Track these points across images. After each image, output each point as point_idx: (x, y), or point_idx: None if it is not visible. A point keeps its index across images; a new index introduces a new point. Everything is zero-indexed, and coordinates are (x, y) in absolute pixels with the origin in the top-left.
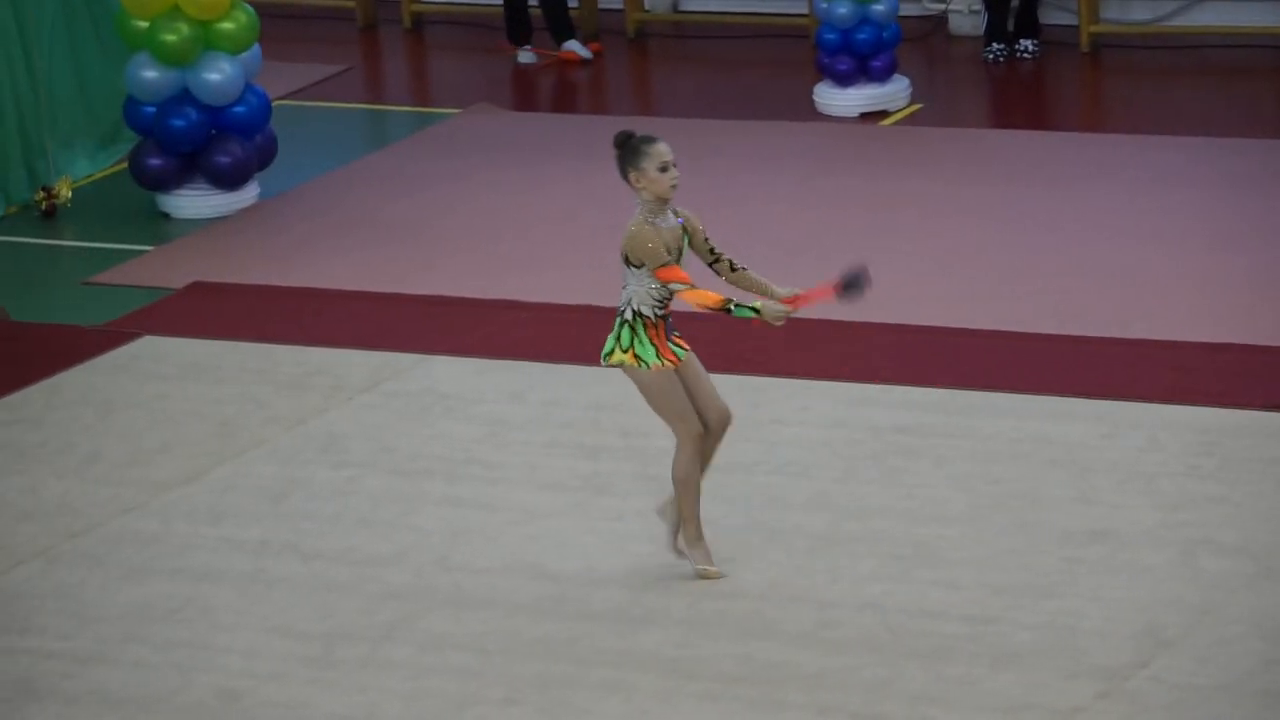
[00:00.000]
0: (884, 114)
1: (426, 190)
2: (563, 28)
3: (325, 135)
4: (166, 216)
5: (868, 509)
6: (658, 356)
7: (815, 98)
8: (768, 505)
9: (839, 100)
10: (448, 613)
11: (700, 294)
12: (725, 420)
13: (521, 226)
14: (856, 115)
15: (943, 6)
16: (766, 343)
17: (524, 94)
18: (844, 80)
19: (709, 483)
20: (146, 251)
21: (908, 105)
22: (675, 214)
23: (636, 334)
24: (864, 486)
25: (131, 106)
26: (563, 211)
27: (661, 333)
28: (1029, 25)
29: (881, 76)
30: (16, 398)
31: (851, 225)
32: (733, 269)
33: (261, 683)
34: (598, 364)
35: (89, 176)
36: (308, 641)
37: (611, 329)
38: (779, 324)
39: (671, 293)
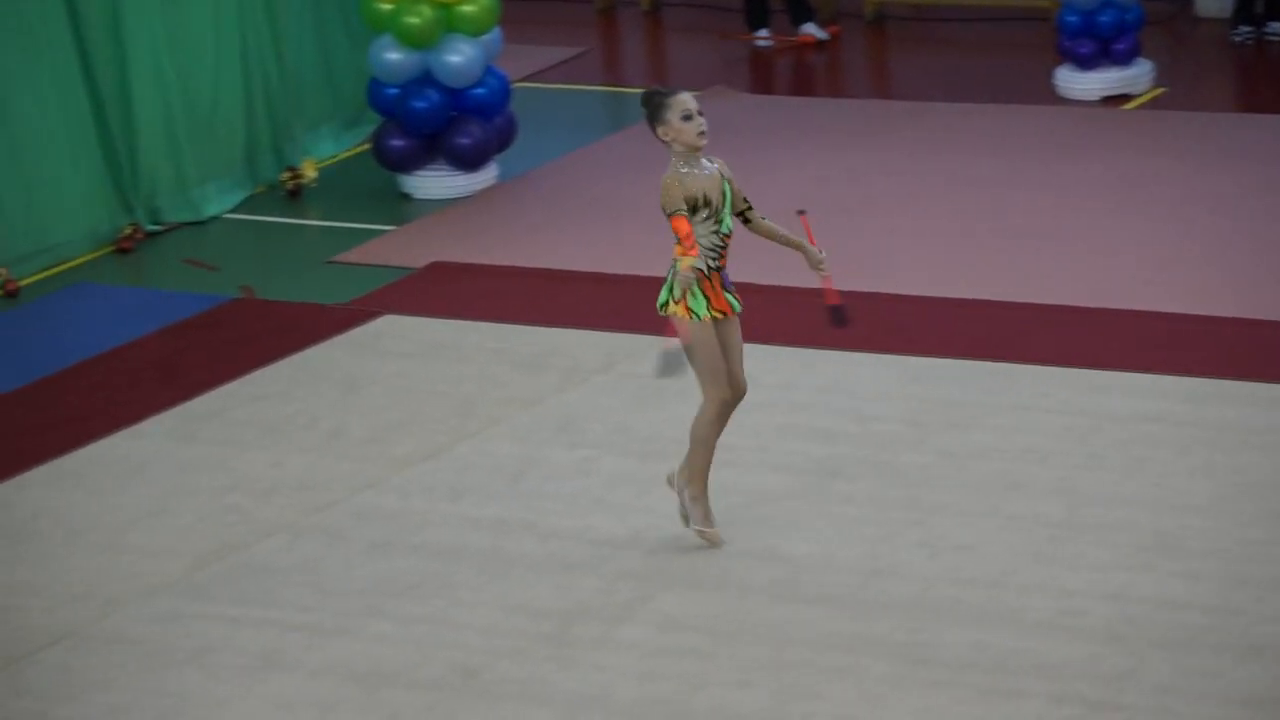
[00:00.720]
0: (1126, 98)
1: (663, 172)
2: (801, 10)
3: (564, 117)
4: (407, 197)
5: (1110, 497)
6: (708, 309)
7: (1056, 81)
8: (1007, 491)
9: (1080, 84)
10: (682, 594)
11: (684, 253)
12: (741, 394)
13: (763, 210)
14: (1098, 99)
15: None
16: (1011, 327)
17: (760, 77)
18: (1086, 63)
19: (947, 468)
20: (388, 231)
21: (1151, 89)
22: (710, 160)
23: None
24: (1106, 474)
25: (375, 88)
26: (798, 194)
27: (716, 284)
28: (1278, 6)
29: (1124, 60)
30: (263, 374)
31: (1093, 210)
32: (750, 220)
33: (499, 659)
34: (831, 347)
35: (333, 157)
36: (545, 619)
37: (664, 282)
38: (682, 286)
39: (725, 244)
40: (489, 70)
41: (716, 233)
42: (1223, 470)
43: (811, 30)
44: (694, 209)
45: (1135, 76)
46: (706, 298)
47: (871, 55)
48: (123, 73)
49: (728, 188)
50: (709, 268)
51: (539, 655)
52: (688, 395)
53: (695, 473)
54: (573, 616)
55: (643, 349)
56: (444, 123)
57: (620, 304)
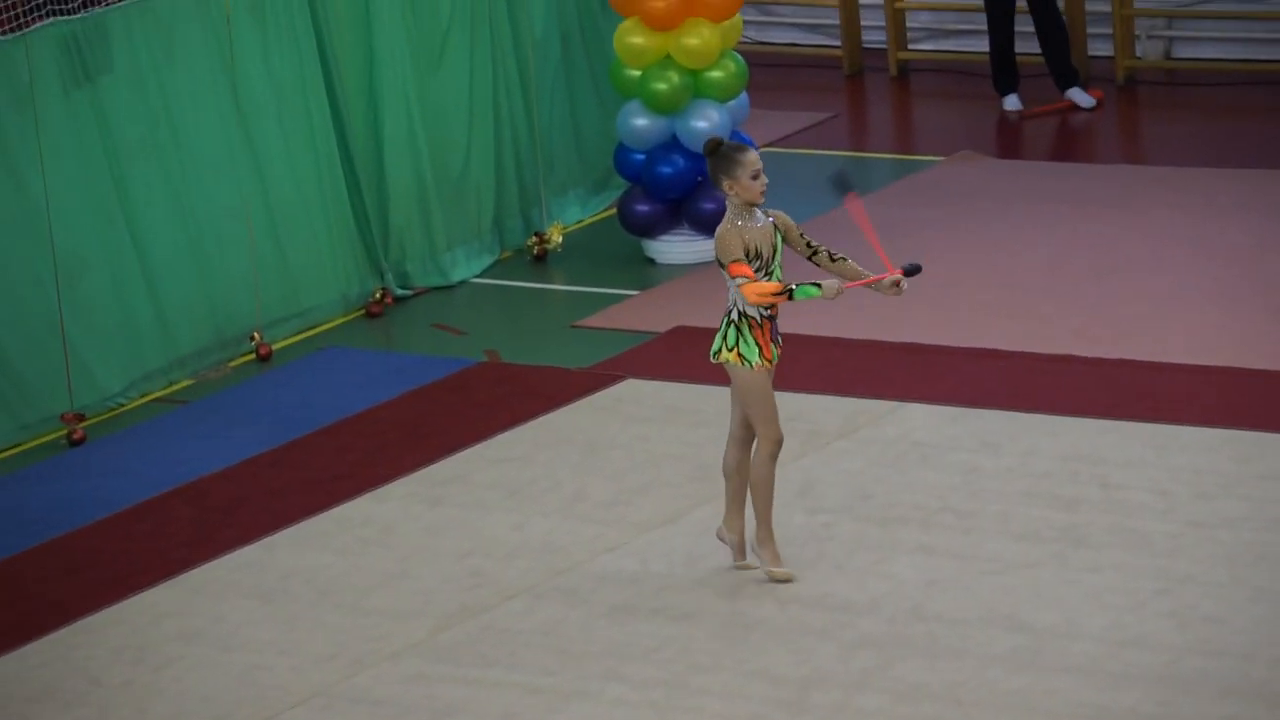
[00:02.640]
0: None
1: (908, 236)
2: (1066, 73)
3: (809, 182)
4: (652, 261)
5: None
6: (760, 356)
7: None
8: (1256, 563)
9: None
10: (922, 661)
11: (759, 285)
12: (753, 436)
13: (1000, 274)
14: None
15: None
16: (1266, 395)
17: (1008, 142)
18: None
19: (1193, 538)
20: (631, 296)
21: None
22: (765, 214)
23: (741, 334)
24: None
25: (622, 153)
26: (1041, 259)
27: (767, 333)
28: None
29: None
30: (507, 437)
31: None
32: (832, 259)
33: None
34: (1077, 414)
35: (579, 222)
36: (783, 686)
37: (718, 330)
38: (834, 296)
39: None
40: (735, 135)
41: (732, 278)
42: None
43: (1076, 96)
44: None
45: None
46: (759, 345)
47: (1122, 120)
48: (376, 138)
49: (779, 240)
50: (761, 316)
51: None
52: (929, 460)
53: (761, 517)
54: (811, 683)
55: (884, 414)
56: (689, 188)
57: (859, 369)
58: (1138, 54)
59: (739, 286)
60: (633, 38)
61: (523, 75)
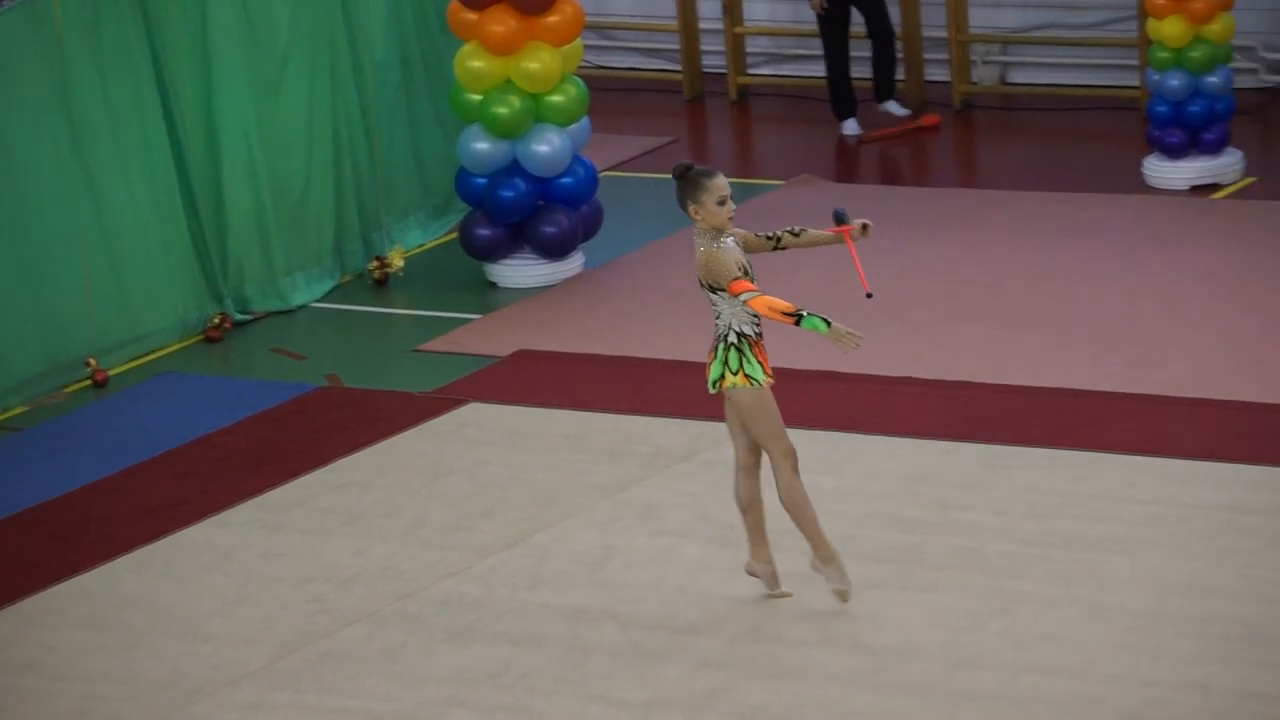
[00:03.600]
0: (1216, 187)
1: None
2: (887, 85)
3: (650, 206)
4: (493, 285)
5: (1195, 587)
6: (763, 373)
7: (1145, 170)
8: (1090, 581)
9: (1169, 173)
10: (763, 683)
11: (770, 300)
12: (759, 460)
13: (841, 298)
14: (1187, 188)
15: None
16: (1097, 416)
17: (847, 165)
18: (1175, 153)
19: (1030, 557)
20: (473, 320)
21: (1241, 179)
22: (731, 236)
23: (744, 355)
24: (1192, 564)
25: (463, 177)
26: (883, 282)
27: (763, 349)
28: None
29: (1214, 149)
30: (347, 462)
31: (1181, 300)
32: (795, 235)
33: None
34: (915, 436)
35: (421, 246)
36: (625, 709)
37: (715, 359)
38: (848, 345)
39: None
40: (576, 159)
41: (737, 296)
42: None
43: (892, 108)
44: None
45: (1225, 166)
46: (760, 363)
47: (959, 144)
48: (215, 163)
49: (747, 262)
50: (757, 333)
51: None
52: (771, 482)
53: (813, 535)
54: (653, 706)
55: (726, 436)
56: (531, 211)
57: (703, 392)
58: (974, 79)
59: (749, 300)
60: (473, 62)
61: (362, 99)
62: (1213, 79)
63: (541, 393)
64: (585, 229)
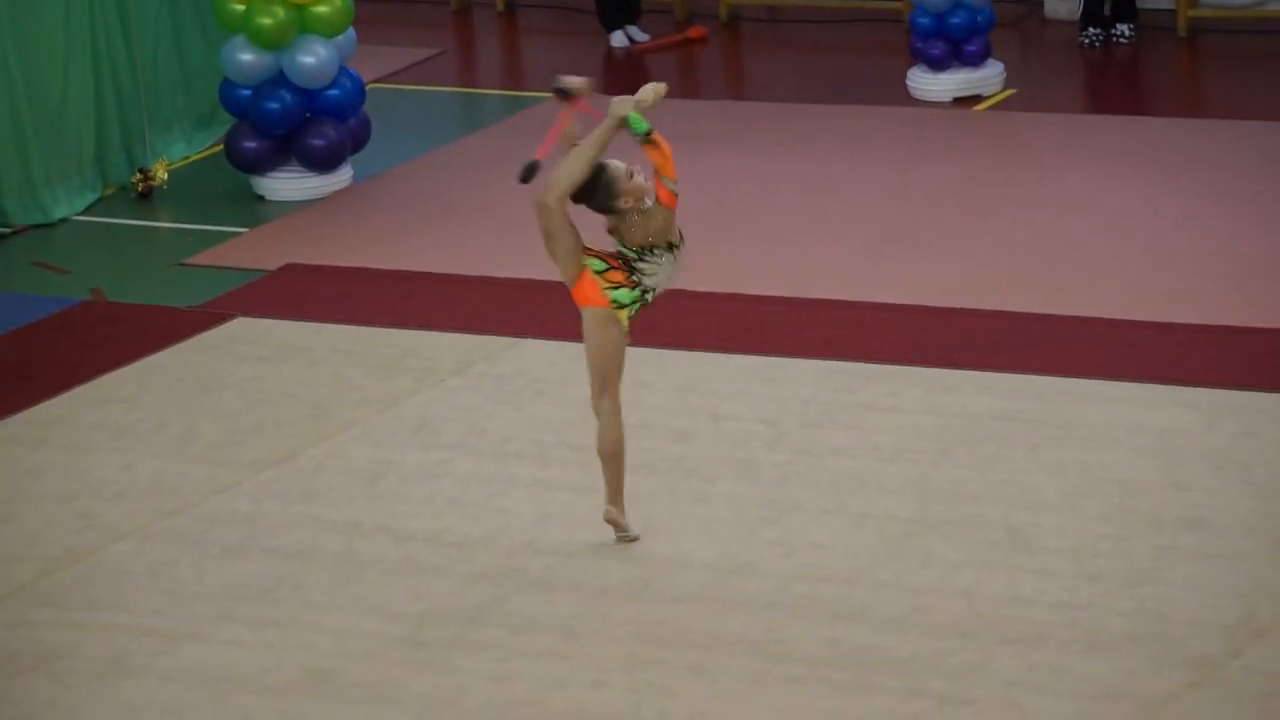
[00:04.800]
0: (978, 99)
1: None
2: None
3: (418, 119)
4: (261, 199)
5: (961, 494)
6: (631, 312)
7: (909, 82)
8: (859, 489)
9: (932, 85)
10: (537, 595)
11: (659, 155)
12: None
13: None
14: (950, 100)
15: None
16: (864, 327)
17: (617, 78)
18: (937, 65)
19: (800, 466)
20: (241, 233)
21: (1002, 90)
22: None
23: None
24: (957, 472)
25: (227, 89)
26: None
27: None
28: (1126, 9)
29: (975, 61)
30: (113, 377)
31: (946, 211)
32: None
33: (352, 662)
34: (687, 348)
35: (185, 159)
36: (398, 622)
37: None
38: (656, 98)
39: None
40: (343, 71)
41: (674, 262)
42: (1071, 467)
43: (627, 36)
44: (670, 247)
45: (986, 78)
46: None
47: (726, 57)
48: None
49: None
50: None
51: (392, 658)
52: (545, 396)
53: (621, 486)
54: (426, 619)
55: (500, 350)
56: (298, 124)
57: (475, 306)
58: None
59: (670, 188)
60: None
61: (122, 7)
62: None
63: (312, 307)
64: (353, 141)
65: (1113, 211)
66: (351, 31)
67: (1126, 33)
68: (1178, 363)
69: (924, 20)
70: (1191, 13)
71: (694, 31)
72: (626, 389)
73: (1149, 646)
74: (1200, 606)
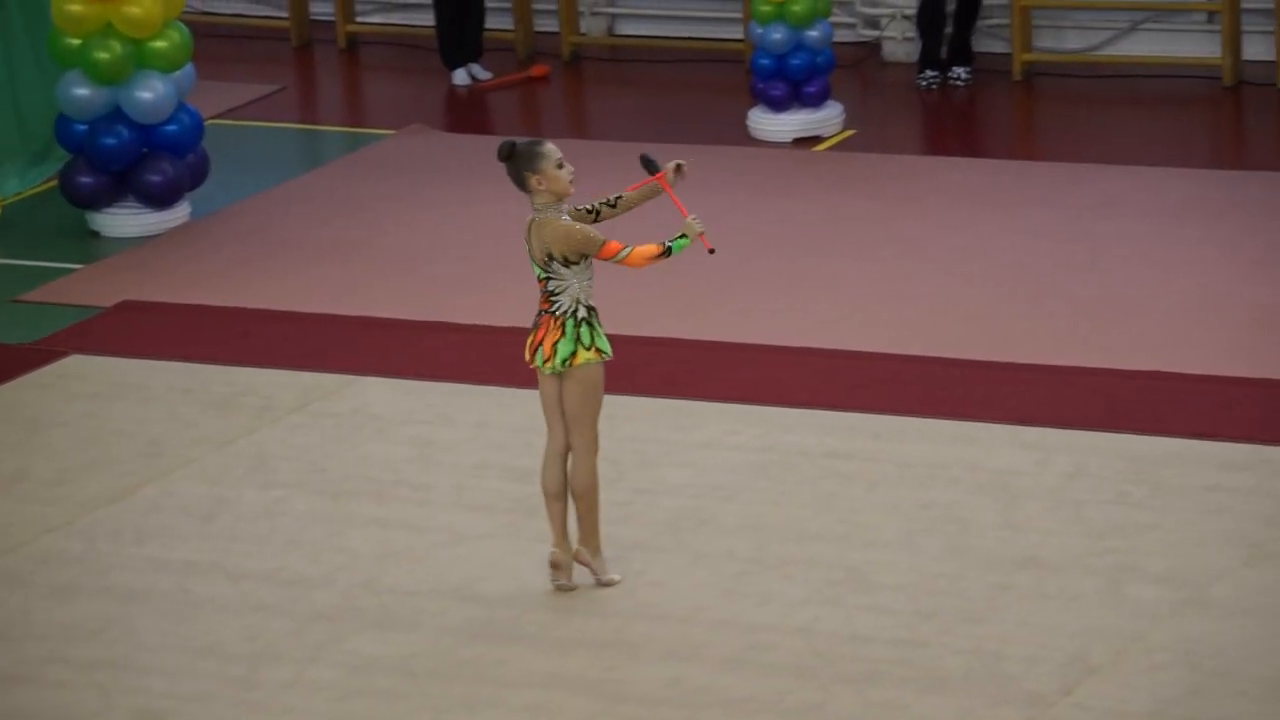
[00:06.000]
0: (817, 139)
1: (359, 211)
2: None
3: (258, 155)
4: (96, 235)
5: (799, 533)
6: (609, 345)
7: (749, 123)
8: (698, 528)
9: (773, 125)
10: (375, 634)
11: (642, 251)
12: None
13: (454, 248)
14: (790, 140)
15: (877, 33)
16: (704, 366)
17: (458, 116)
18: (778, 105)
19: (640, 505)
20: (76, 270)
21: (841, 131)
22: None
23: (595, 329)
24: (796, 510)
25: (63, 124)
26: (494, 233)
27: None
28: (962, 53)
29: (815, 102)
30: None
31: (784, 250)
32: (612, 205)
33: (184, 703)
34: (527, 387)
35: (19, 194)
36: (233, 662)
37: (563, 336)
38: (698, 235)
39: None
40: (181, 107)
41: (590, 277)
42: (909, 506)
43: (469, 75)
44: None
45: (826, 119)
46: (605, 336)
47: (569, 95)
48: None
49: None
50: (590, 309)
51: (226, 699)
52: (384, 434)
53: (595, 528)
54: (262, 659)
55: (338, 388)
56: (135, 159)
57: (313, 344)
58: (582, 30)
59: (625, 258)
60: (71, 5)
61: None
62: (813, 33)
63: (148, 344)
64: (191, 177)
65: (950, 251)
66: (190, 67)
67: (963, 76)
68: (1014, 402)
69: (765, 61)
70: (1026, 57)
71: (536, 70)
72: (467, 428)
73: (985, 684)
74: (1034, 644)
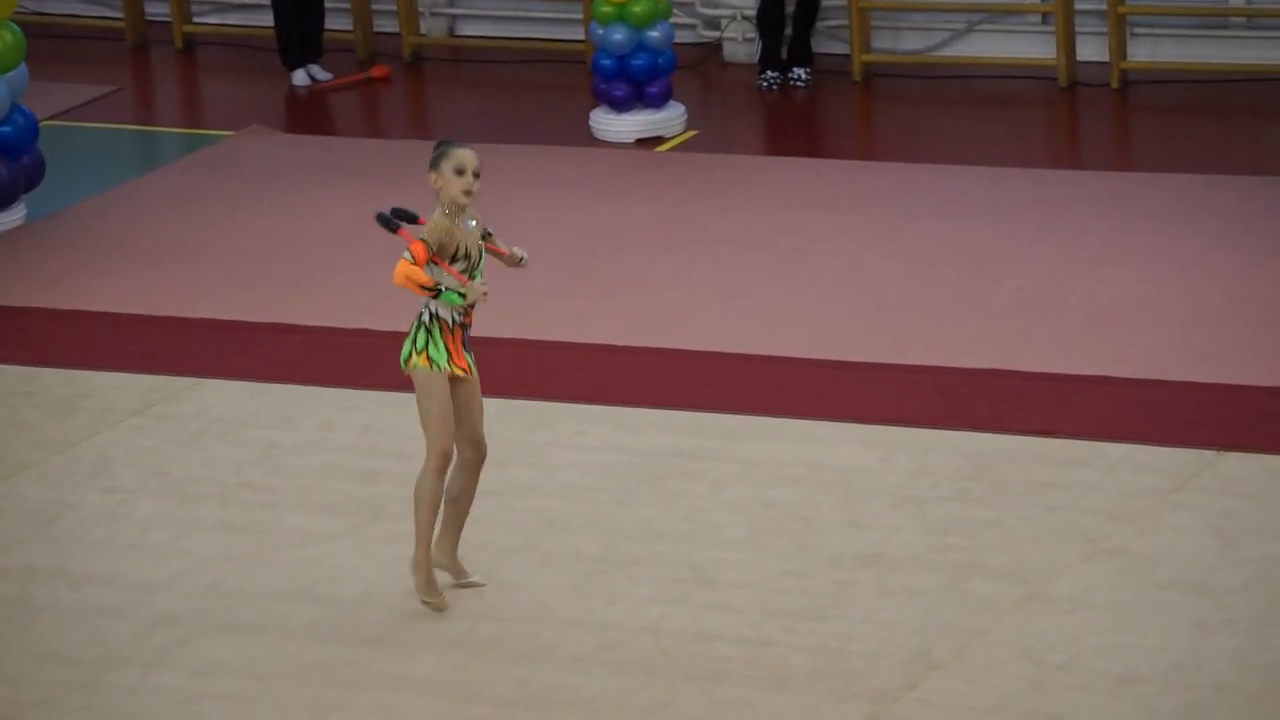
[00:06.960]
0: (659, 140)
1: (198, 213)
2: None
3: (95, 156)
4: None
5: (646, 532)
6: (449, 363)
7: (592, 123)
8: (545, 528)
9: (615, 126)
10: (220, 637)
11: (408, 270)
12: (482, 455)
13: (294, 249)
14: (632, 141)
15: (717, 34)
16: (548, 366)
17: (298, 117)
18: (620, 106)
19: (488, 506)
20: None
21: (683, 132)
22: (472, 219)
23: (432, 337)
24: (642, 510)
25: None
26: (335, 235)
27: (459, 341)
28: (802, 54)
29: (657, 103)
30: None
31: (626, 251)
32: (485, 238)
33: (27, 710)
34: (371, 388)
35: None
36: (76, 668)
37: (408, 335)
38: (474, 300)
39: (473, 303)
40: (15, 108)
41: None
42: (753, 504)
43: (309, 75)
44: (453, 258)
45: (668, 119)
46: (449, 351)
47: (410, 96)
48: None
49: (482, 246)
50: (453, 321)
51: (69, 705)
52: (227, 436)
53: (419, 535)
54: (105, 664)
55: (181, 390)
56: None
57: (154, 346)
58: (423, 30)
59: (400, 261)
60: None
61: None
62: (654, 34)
63: (4, 350)
64: (27, 179)
65: (791, 251)
66: (24, 67)
67: (803, 76)
68: (856, 400)
69: (606, 62)
70: (865, 58)
71: (377, 71)
72: (311, 430)
73: (829, 681)
74: (878, 641)
